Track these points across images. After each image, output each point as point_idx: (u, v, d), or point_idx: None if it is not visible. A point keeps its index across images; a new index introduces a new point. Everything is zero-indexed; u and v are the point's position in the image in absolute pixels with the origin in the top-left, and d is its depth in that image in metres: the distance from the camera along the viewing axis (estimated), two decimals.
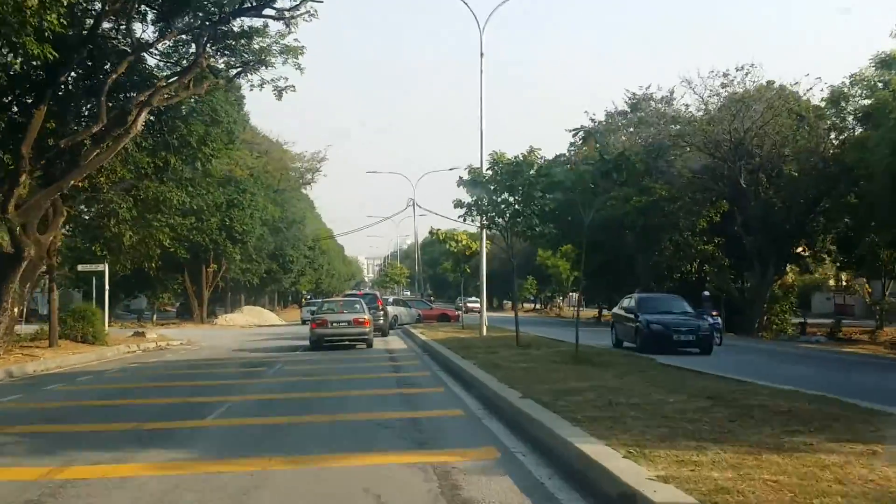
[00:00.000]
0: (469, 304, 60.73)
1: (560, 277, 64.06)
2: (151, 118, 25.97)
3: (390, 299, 38.70)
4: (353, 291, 39.25)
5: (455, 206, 19.79)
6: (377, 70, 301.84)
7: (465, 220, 20.21)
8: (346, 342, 24.12)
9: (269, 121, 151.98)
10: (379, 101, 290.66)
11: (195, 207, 29.25)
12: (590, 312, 64.86)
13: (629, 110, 45.48)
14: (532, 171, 18.71)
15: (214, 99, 47.27)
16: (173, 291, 52.62)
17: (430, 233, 29.20)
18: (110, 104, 23.32)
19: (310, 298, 69.72)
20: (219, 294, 53.57)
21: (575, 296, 77.16)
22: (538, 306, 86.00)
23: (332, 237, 73.00)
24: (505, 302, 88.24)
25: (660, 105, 44.35)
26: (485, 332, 24.88)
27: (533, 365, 13.90)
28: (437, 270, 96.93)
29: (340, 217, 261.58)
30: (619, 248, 41.01)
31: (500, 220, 19.38)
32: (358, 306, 25.37)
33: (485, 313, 25.28)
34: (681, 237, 38.96)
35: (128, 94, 23.31)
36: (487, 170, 18.75)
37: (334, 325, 24.00)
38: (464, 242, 28.99)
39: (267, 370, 17.39)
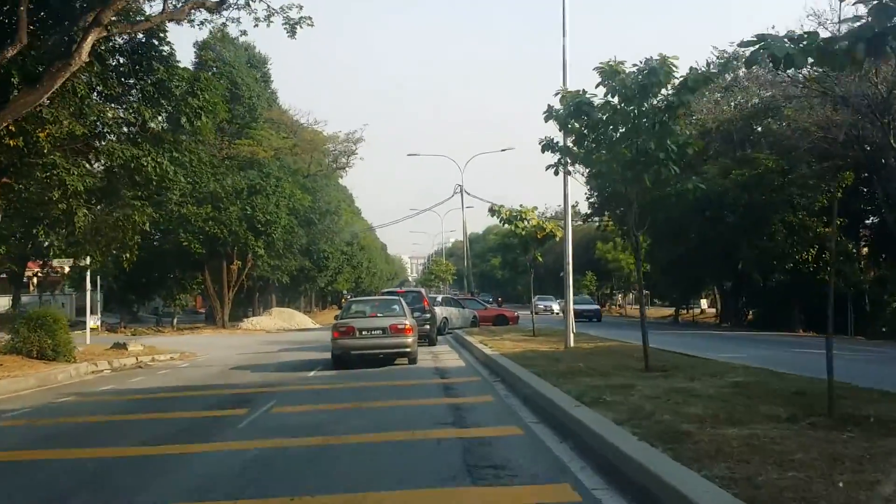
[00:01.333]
0: (543, 304, 51.61)
1: (624, 272, 56.57)
2: (121, 59, 19.29)
3: (438, 298, 31.47)
4: (392, 289, 31.89)
5: (543, 150, 12.53)
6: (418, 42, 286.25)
7: (556, 172, 12.90)
8: (381, 356, 17.14)
9: (299, 100, 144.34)
10: (420, 78, 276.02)
11: (182, 181, 22.18)
12: (661, 311, 56.92)
13: (716, 71, 37.64)
14: (670, 90, 11.37)
15: (235, 70, 40.87)
16: (191, 292, 46.22)
17: (491, 210, 21.96)
18: (53, 30, 16.67)
19: (351, 297, 62.86)
20: (243, 295, 46.98)
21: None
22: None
23: (371, 229, 65.96)
24: (558, 300, 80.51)
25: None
26: (572, 342, 17.55)
27: (754, 430, 6.52)
28: (484, 267, 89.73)
29: (381, 211, 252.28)
30: (714, 234, 33.24)
31: (616, 166, 12.07)
32: (397, 307, 18.30)
33: (572, 316, 17.88)
34: (794, 218, 31.09)
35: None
36: (599, 84, 11.44)
37: (364, 333, 16.97)
38: (534, 223, 21.71)
39: (245, 416, 10.33)
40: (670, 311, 54.67)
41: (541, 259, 23.39)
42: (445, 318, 29.68)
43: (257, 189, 38.50)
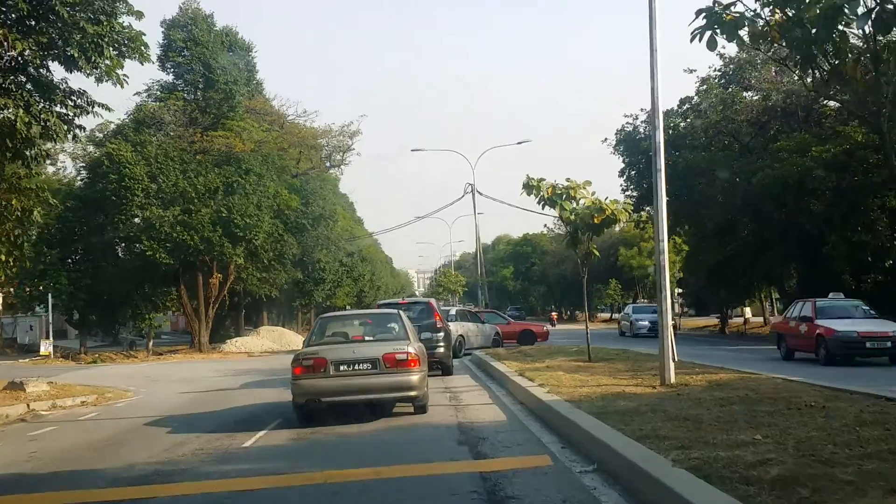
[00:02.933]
0: (648, 319, 32.08)
1: (650, 280, 49.66)
2: None
3: (452, 311, 24.68)
4: (392, 300, 24.57)
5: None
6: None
7: (712, 46, 6.24)
8: (370, 402, 10.54)
9: (288, 92, 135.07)
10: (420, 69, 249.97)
11: (73, 138, 15.59)
12: (697, 322, 49.98)
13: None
14: None
15: (208, 52, 34.39)
16: (165, 310, 39.61)
17: (527, 186, 15.28)
18: None
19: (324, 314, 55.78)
20: (224, 313, 40.26)
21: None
22: (614, 315, 71.10)
23: (371, 236, 59.19)
24: (577, 312, 73.52)
25: None
26: (673, 376, 10.84)
27: None
28: (495, 278, 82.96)
29: (385, 222, 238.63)
30: (788, 227, 26.57)
31: None
32: (396, 327, 11.55)
33: (671, 337, 11.08)
34: None
35: None
36: None
37: (343, 369, 10.26)
38: (588, 202, 15.05)
39: None
40: (708, 321, 47.90)
41: (597, 254, 16.66)
42: (461, 336, 23.03)
43: (234, 188, 31.91)
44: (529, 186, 15.30)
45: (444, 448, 8.18)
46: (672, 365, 10.90)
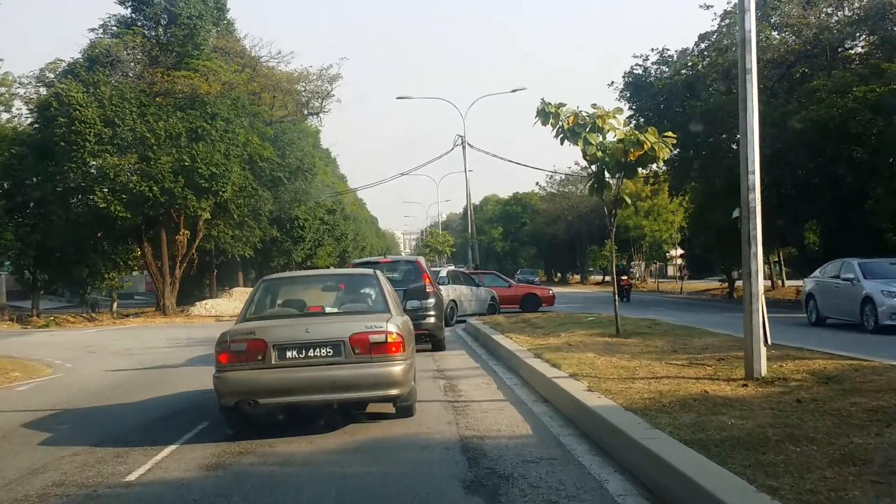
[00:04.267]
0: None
1: (648, 240, 46.43)
2: None
3: (442, 272, 21.14)
4: (371, 258, 20.81)
5: None
6: None
7: None
8: (329, 404, 7.13)
9: (261, 31, 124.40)
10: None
11: None
12: (700, 285, 46.71)
13: None
14: None
15: None
16: (126, 269, 35.94)
17: (543, 113, 11.74)
18: None
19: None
20: (193, 272, 36.56)
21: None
22: (608, 278, 68.04)
23: (354, 191, 55.12)
24: (570, 275, 70.50)
25: None
26: (765, 366, 7.47)
27: None
28: (483, 239, 79.69)
29: (369, 178, 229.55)
30: (822, 178, 23.27)
31: None
32: (371, 294, 8.06)
33: (762, 305, 7.67)
34: None
35: None
36: None
37: (291, 356, 6.81)
38: (619, 135, 11.59)
39: None
40: (709, 285, 44.88)
41: (629, 200, 13.27)
42: (454, 301, 19.68)
43: (199, 134, 28.09)
44: (546, 113, 11.75)
45: (443, 501, 4.80)
46: (764, 351, 7.53)
